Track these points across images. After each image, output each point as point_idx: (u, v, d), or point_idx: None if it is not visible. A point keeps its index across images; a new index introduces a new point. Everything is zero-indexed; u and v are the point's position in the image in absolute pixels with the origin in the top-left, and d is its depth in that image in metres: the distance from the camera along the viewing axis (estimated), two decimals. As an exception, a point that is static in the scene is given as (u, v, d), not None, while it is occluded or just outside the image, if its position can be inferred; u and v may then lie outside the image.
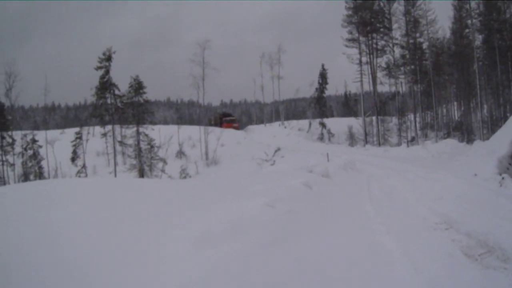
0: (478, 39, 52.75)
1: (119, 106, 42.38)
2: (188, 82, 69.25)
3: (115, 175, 39.27)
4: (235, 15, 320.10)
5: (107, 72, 41.74)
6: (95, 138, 50.66)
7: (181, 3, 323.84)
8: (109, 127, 42.56)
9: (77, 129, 46.37)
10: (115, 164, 41.26)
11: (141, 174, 39.37)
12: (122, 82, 43.83)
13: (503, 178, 15.72)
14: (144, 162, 40.45)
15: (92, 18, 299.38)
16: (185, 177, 37.55)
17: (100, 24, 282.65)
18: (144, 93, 43.13)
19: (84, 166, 41.21)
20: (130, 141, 41.98)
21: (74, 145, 43.18)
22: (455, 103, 65.93)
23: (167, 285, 5.30)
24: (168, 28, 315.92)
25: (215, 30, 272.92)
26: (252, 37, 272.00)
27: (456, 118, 62.23)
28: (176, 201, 8.98)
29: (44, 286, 4.81)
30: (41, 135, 45.36)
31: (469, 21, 51.81)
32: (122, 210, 7.46)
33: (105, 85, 41.80)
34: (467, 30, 53.71)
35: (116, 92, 42.19)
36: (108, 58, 41.63)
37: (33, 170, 40.57)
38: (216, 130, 57.53)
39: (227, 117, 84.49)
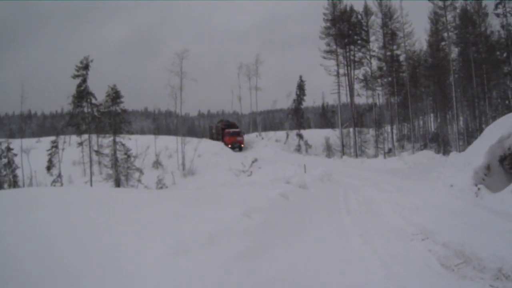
0: (454, 51, 53.53)
1: (96, 115, 42.05)
2: (165, 92, 68.41)
3: (91, 185, 38.91)
4: (217, 27, 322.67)
5: (84, 80, 41.45)
6: (71, 147, 50.21)
7: (165, 15, 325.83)
8: (85, 136, 42.21)
9: (53, 138, 45.85)
10: (91, 173, 40.93)
11: (117, 184, 39.05)
12: (101, 91, 43.50)
13: (479, 188, 15.82)
14: (121, 172, 40.15)
15: (73, 27, 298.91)
16: (161, 188, 37.34)
17: (82, 33, 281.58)
18: (121, 102, 42.87)
19: (59, 175, 40.81)
20: (107, 151, 41.71)
21: (50, 154, 42.76)
22: (432, 115, 66.49)
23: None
24: (150, 39, 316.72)
25: (197, 41, 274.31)
26: (232, 49, 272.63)
27: (433, 129, 62.77)
28: (152, 211, 8.86)
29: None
30: (16, 144, 44.79)
31: (445, 34, 52.41)
32: (98, 220, 7.32)
33: (82, 94, 41.47)
34: (443, 43, 54.38)
35: (93, 101, 41.91)
36: (86, 67, 41.34)
37: (7, 178, 39.96)
38: (193, 140, 56.83)
39: (230, 128, 67.17)
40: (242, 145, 63.33)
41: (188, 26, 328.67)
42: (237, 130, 66.60)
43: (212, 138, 71.88)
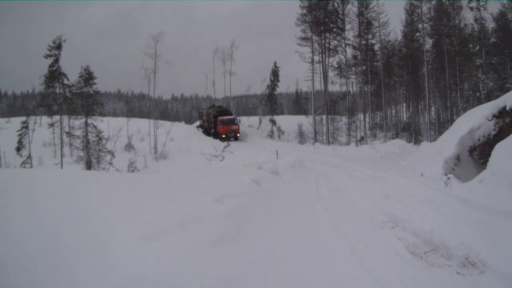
0: (428, 43, 54.24)
1: (68, 96, 41.43)
2: (139, 75, 67.33)
3: (62, 167, 38.45)
4: (199, 12, 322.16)
5: (57, 60, 40.69)
6: (42, 128, 49.59)
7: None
8: (56, 117, 41.58)
9: (23, 118, 45.14)
10: (62, 155, 40.37)
11: (88, 166, 38.66)
12: (77, 72, 42.66)
13: (448, 178, 16.04)
14: (92, 154, 39.69)
15: (49, 6, 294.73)
16: (133, 171, 37.05)
17: (59, 13, 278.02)
18: (94, 83, 42.15)
19: (29, 157, 40.25)
20: (78, 133, 41.08)
21: (20, 135, 42.09)
22: (404, 104, 67.24)
23: (113, 278, 5.16)
24: (129, 21, 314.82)
25: (176, 25, 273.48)
26: (211, 34, 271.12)
27: (405, 119, 63.46)
28: (122, 195, 8.78)
29: None
30: (-15, 124, 44.01)
31: (420, 25, 52.89)
32: (66, 204, 7.23)
33: (54, 74, 40.74)
34: (417, 34, 54.89)
35: (65, 81, 41.24)
36: (58, 47, 40.60)
37: (-24, 159, 39.32)
38: (166, 124, 56.19)
39: (223, 115, 59.25)
40: (238, 134, 57.59)
41: (169, 10, 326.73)
42: (231, 117, 59.33)
43: (202, 126, 66.32)
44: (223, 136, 55.03)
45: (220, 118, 57.59)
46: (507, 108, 16.89)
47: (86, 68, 41.67)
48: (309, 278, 6.50)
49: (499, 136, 16.68)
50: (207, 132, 62.22)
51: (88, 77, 41.49)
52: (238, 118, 62.22)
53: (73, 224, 6.32)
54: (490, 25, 51.81)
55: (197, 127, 67.74)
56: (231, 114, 61.00)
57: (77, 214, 6.76)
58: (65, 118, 42.88)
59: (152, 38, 53.60)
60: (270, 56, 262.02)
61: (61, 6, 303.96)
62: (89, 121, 40.30)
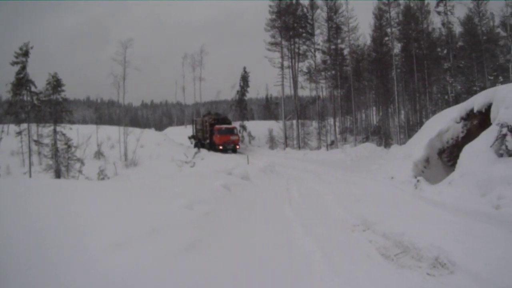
0: (397, 47, 54.70)
1: (36, 104, 40.88)
2: (109, 81, 66.26)
3: (30, 176, 37.87)
4: (172, 19, 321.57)
5: (24, 67, 40.18)
6: (10, 136, 48.78)
7: (118, 4, 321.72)
8: (24, 125, 40.96)
9: (-11, 127, 44.42)
10: (30, 164, 39.77)
11: (58, 175, 38.14)
12: (45, 79, 42.08)
13: (418, 180, 16.20)
14: (61, 163, 39.16)
15: (19, 12, 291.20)
16: (103, 179, 36.67)
17: (28, 19, 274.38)
18: (63, 91, 41.67)
19: (-4, 166, 39.60)
20: (47, 141, 40.56)
21: (-14, 144, 41.34)
22: (374, 108, 67.76)
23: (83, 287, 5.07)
24: (100, 28, 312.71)
25: (149, 32, 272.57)
26: (184, 41, 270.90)
27: (375, 122, 63.86)
28: (93, 202, 8.66)
29: None
30: (-51, 132, 43.10)
31: (388, 30, 53.37)
32: (36, 213, 7.09)
33: (21, 81, 40.20)
34: (386, 38, 55.34)
35: (33, 89, 40.67)
36: (25, 54, 40.07)
37: None
38: (136, 131, 55.53)
39: (221, 123, 52.43)
40: (238, 146, 50.84)
41: (140, 18, 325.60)
42: (230, 126, 52.39)
43: (195, 136, 59.21)
44: (220, 147, 48.95)
45: (217, 126, 50.85)
46: (475, 111, 17.11)
47: (54, 75, 41.22)
48: (280, 282, 6.46)
49: (467, 138, 16.90)
50: (200, 143, 55.10)
51: (56, 84, 41.01)
52: (238, 127, 56.72)
53: (39, 233, 6.19)
54: (457, 29, 52.95)
55: (189, 138, 61.58)
56: (230, 123, 54.28)
57: (44, 223, 6.63)
58: (33, 126, 42.37)
59: (121, 45, 53.23)
60: (240, 62, 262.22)
61: (29, 12, 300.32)
62: (58, 129, 39.85)
